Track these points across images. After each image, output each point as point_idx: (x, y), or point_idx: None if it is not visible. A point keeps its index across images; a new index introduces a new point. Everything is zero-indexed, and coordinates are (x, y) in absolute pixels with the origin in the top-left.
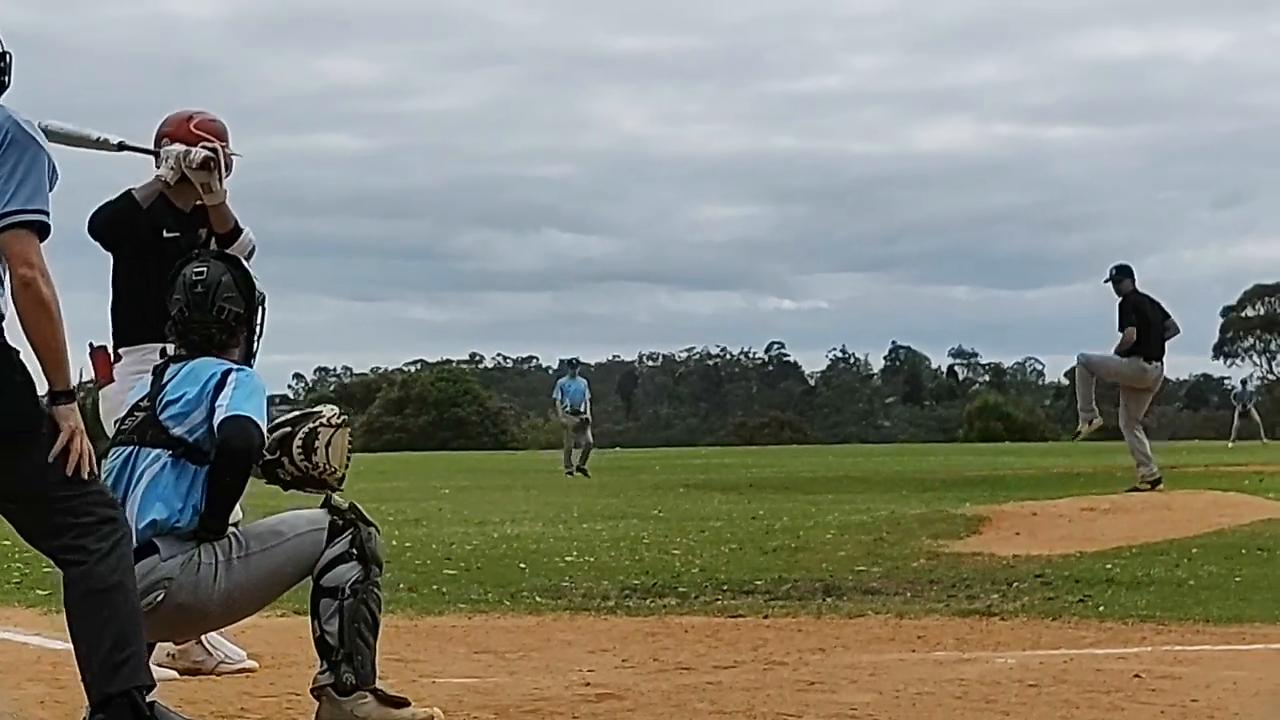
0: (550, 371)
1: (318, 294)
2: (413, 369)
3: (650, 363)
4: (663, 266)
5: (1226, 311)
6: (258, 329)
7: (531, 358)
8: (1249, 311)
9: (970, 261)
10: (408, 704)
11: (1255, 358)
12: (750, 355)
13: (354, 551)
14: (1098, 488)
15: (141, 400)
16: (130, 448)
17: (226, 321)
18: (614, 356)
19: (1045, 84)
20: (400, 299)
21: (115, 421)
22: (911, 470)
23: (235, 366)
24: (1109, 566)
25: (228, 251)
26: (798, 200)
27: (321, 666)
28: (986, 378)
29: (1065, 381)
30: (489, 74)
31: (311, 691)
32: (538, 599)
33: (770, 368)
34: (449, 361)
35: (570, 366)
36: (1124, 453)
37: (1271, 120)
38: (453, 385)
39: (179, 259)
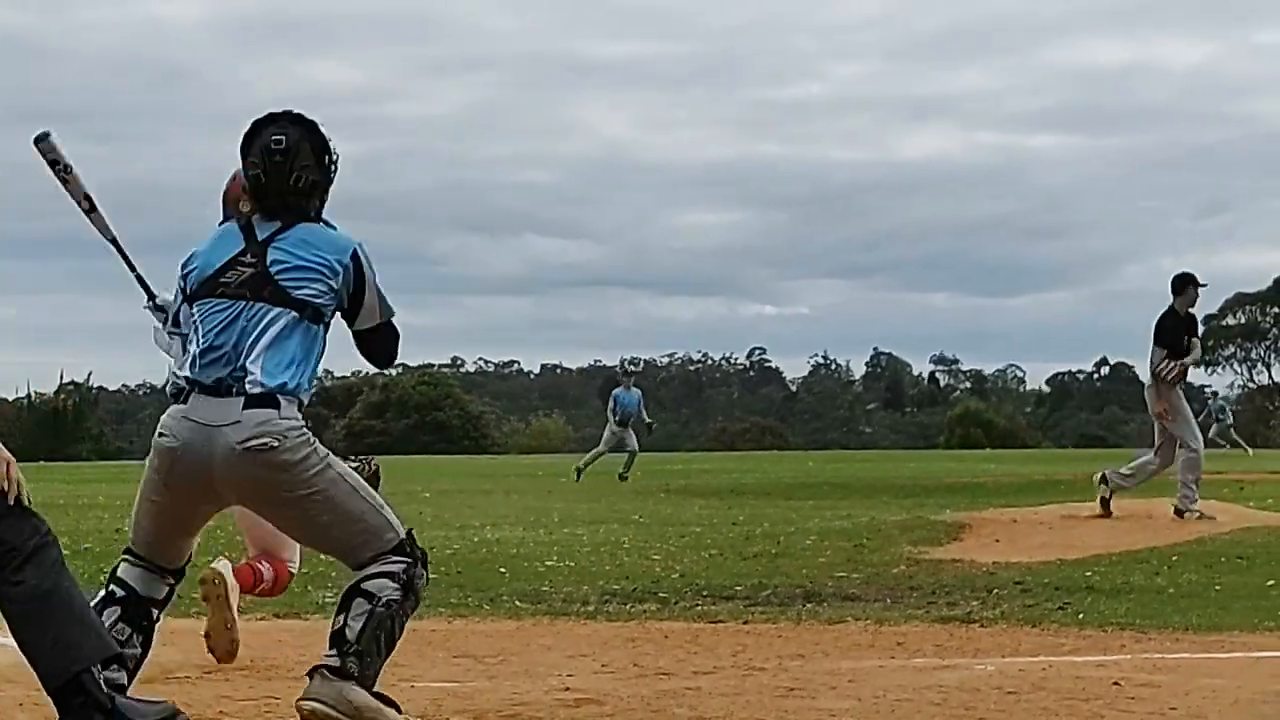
0: (532, 376)
1: None
2: (394, 372)
3: (632, 368)
4: (645, 272)
5: (1208, 320)
6: (329, 189)
7: (513, 362)
8: (1230, 320)
9: (952, 269)
10: (399, 709)
11: (1236, 366)
12: (732, 361)
13: (403, 578)
14: (1078, 495)
15: (241, 255)
16: (240, 302)
17: (303, 187)
18: (595, 361)
19: (1027, 92)
20: None
21: (192, 274)
22: (892, 477)
23: (356, 243)
24: (1089, 574)
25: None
26: (780, 207)
27: (328, 651)
28: (968, 385)
29: (1046, 389)
30: (472, 79)
31: (308, 672)
32: (517, 604)
33: (752, 373)
34: (430, 365)
35: (625, 376)
36: (1105, 460)
37: (1252, 130)
38: (434, 389)
39: (259, 127)
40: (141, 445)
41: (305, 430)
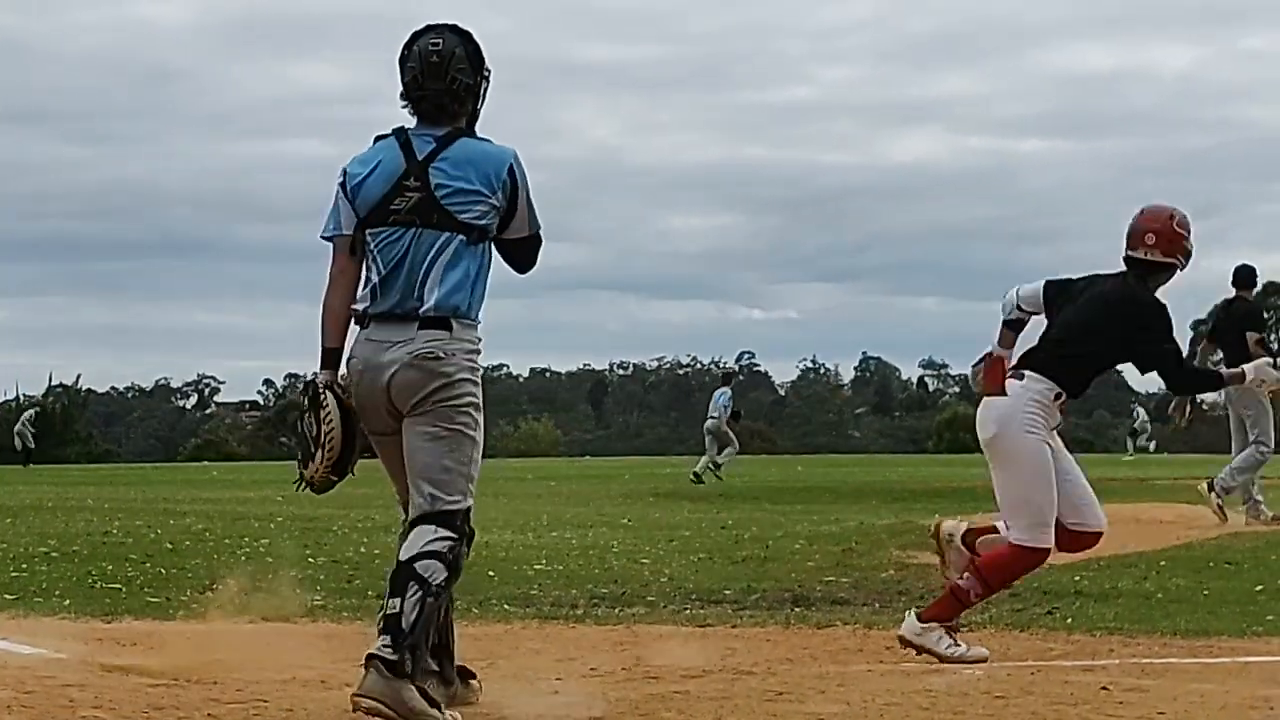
0: (521, 380)
1: (286, 299)
2: None
3: (621, 371)
4: (633, 276)
5: (1196, 325)
6: (481, 100)
7: (502, 365)
8: None
9: (940, 273)
10: (441, 711)
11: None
12: (721, 364)
13: (449, 558)
14: None
15: (405, 179)
16: (411, 229)
17: (458, 91)
18: (584, 365)
19: (1016, 97)
20: None
21: (360, 197)
22: (881, 481)
23: (511, 154)
24: (1077, 579)
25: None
26: (768, 210)
27: (385, 641)
28: (956, 389)
29: None
30: None
31: (366, 660)
32: (506, 607)
33: (741, 377)
34: None
35: (724, 380)
36: (1093, 465)
37: (1242, 134)
38: None
39: (418, 35)
40: (130, 448)
41: (474, 357)
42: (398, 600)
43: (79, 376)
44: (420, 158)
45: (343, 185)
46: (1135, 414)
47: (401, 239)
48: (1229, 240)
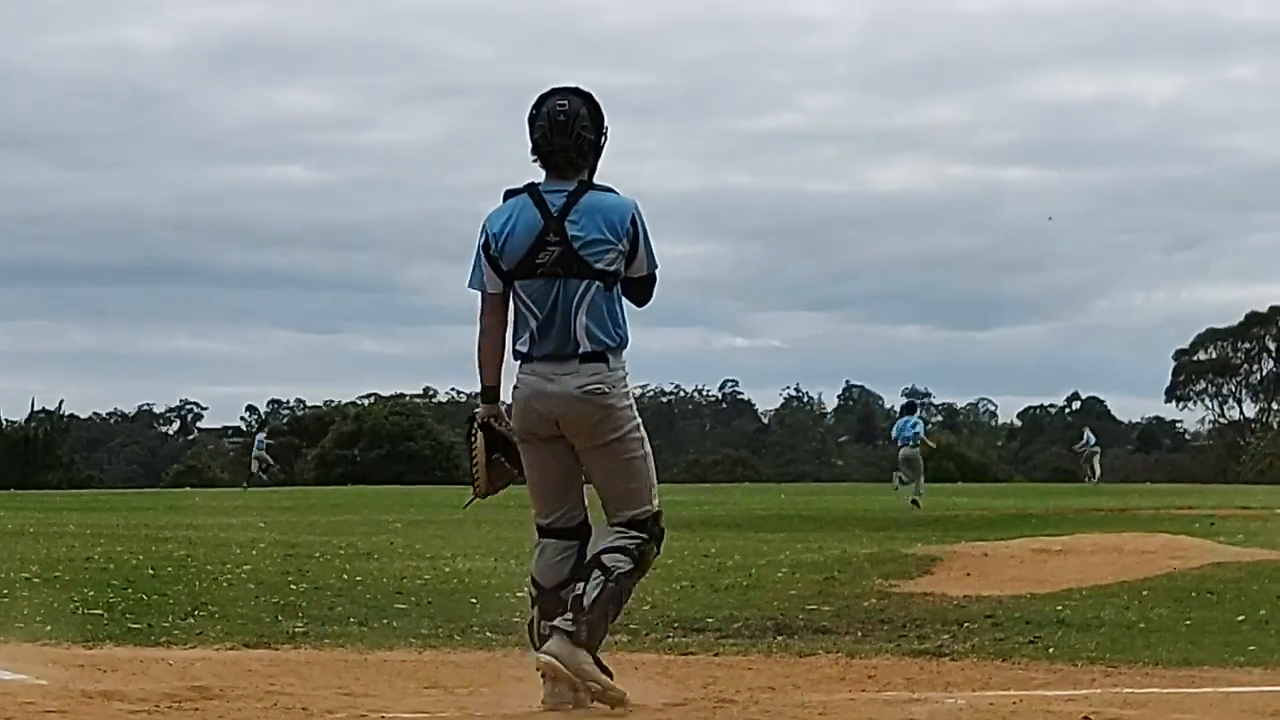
0: (504, 407)
1: (270, 325)
2: (366, 402)
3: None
4: None
5: (1179, 355)
6: (600, 154)
7: None
8: (1200, 355)
9: (923, 302)
10: (611, 676)
11: (1207, 401)
12: (704, 393)
13: (635, 554)
14: (1049, 529)
15: (545, 235)
16: (556, 279)
17: (582, 147)
18: None
19: (999, 126)
20: (353, 331)
21: (504, 252)
22: (863, 509)
23: (633, 205)
24: (1059, 608)
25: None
26: (752, 238)
27: (568, 616)
28: (939, 418)
29: (1017, 423)
30: (443, 107)
31: (550, 630)
32: (489, 634)
33: (724, 405)
34: (402, 395)
35: (908, 409)
36: (1076, 494)
37: (1225, 164)
38: (406, 419)
39: (545, 97)
40: (113, 473)
41: (626, 381)
42: (582, 585)
43: (61, 402)
44: (555, 213)
45: (485, 245)
46: (1084, 437)
47: (549, 289)
48: (1210, 271)
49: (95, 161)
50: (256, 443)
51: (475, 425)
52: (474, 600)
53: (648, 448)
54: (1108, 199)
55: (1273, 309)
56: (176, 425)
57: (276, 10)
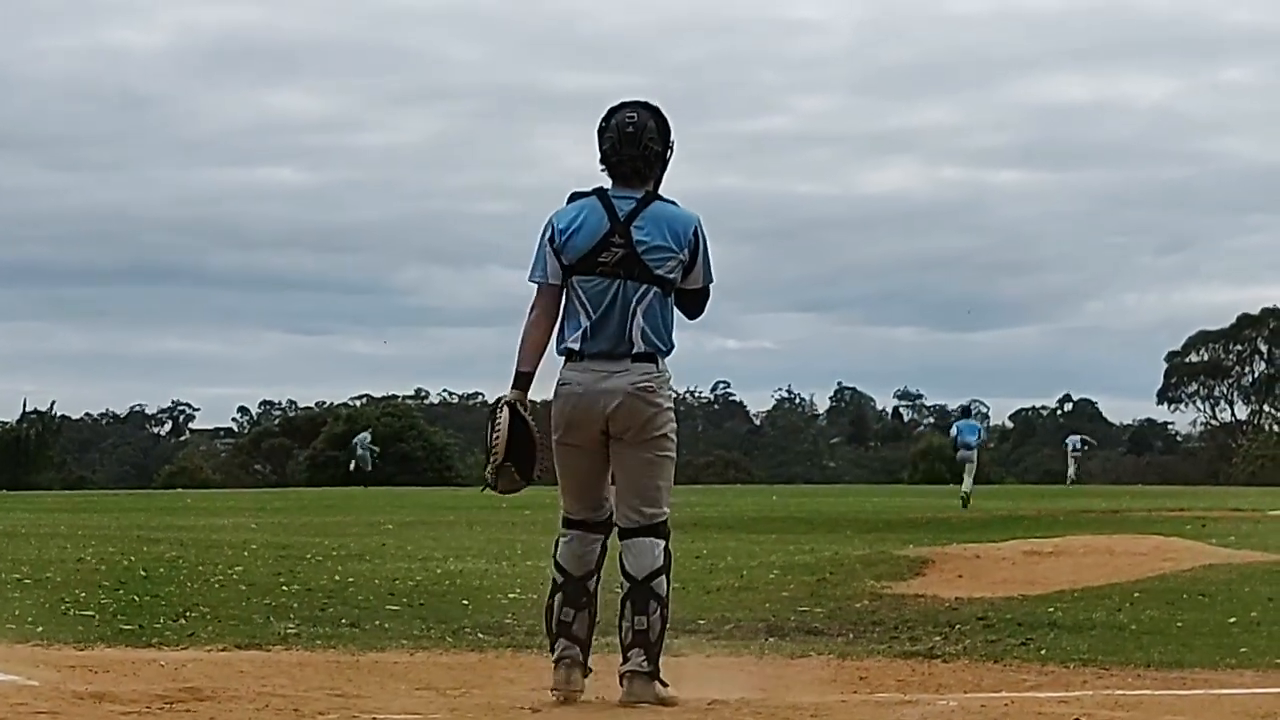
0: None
1: (262, 327)
2: (358, 403)
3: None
4: None
5: (1171, 357)
6: (667, 165)
7: (477, 394)
8: (1193, 357)
9: (915, 304)
10: (667, 685)
11: (1199, 403)
12: (696, 394)
13: (667, 567)
14: (1041, 531)
15: (610, 236)
16: (616, 279)
17: (649, 158)
18: None
19: (992, 128)
20: (345, 333)
21: (568, 247)
22: (855, 511)
23: (696, 218)
24: (1051, 610)
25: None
26: (744, 240)
27: (640, 655)
28: (931, 420)
29: (1009, 424)
30: (436, 109)
31: (624, 674)
32: (480, 636)
33: (716, 407)
34: (394, 397)
35: (966, 413)
36: (1068, 496)
37: (1216, 167)
38: (398, 421)
39: (615, 110)
40: (105, 474)
41: (671, 385)
42: (643, 618)
43: (53, 403)
44: (622, 218)
45: (550, 239)
46: (1068, 443)
47: (609, 288)
48: (1202, 273)
49: (87, 163)
50: (360, 442)
51: (501, 406)
52: (466, 602)
53: (675, 455)
54: (1100, 201)
55: (1264, 311)
56: (168, 426)
57: (268, 11)
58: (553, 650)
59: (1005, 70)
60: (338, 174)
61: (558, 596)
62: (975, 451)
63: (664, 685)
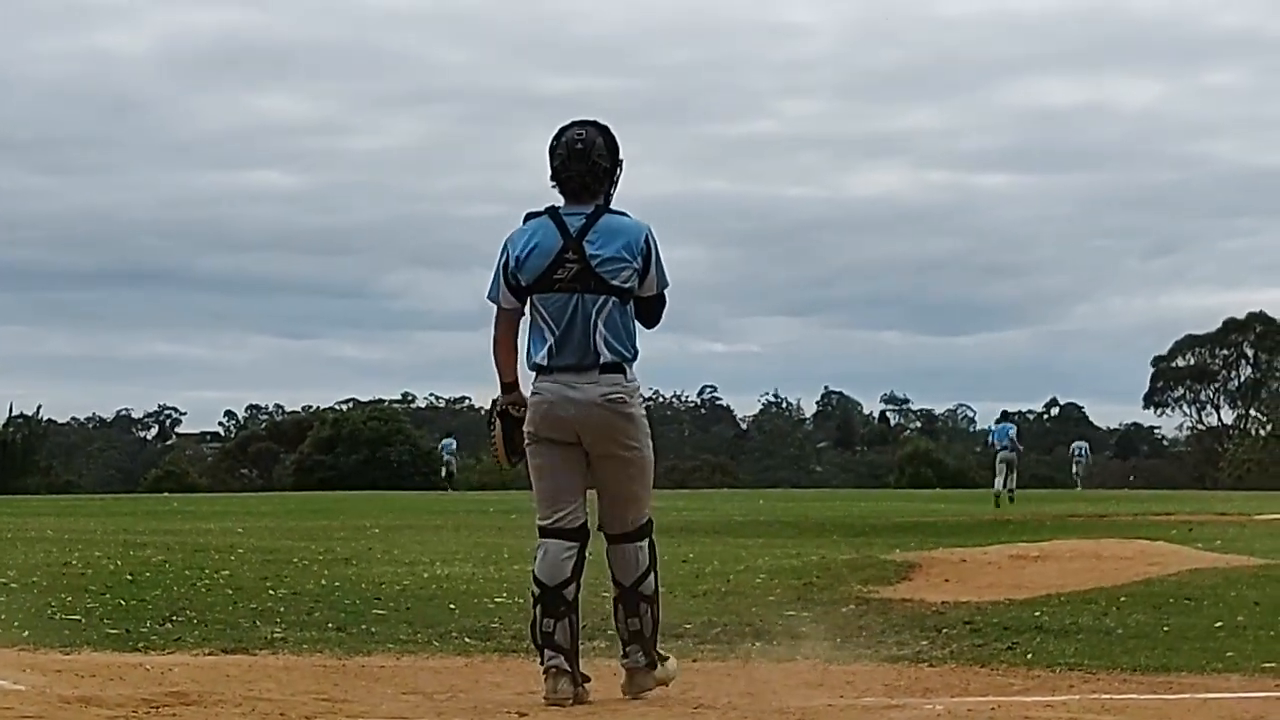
0: (483, 412)
1: (249, 331)
2: (345, 407)
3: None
4: None
5: (1157, 361)
6: (616, 181)
7: (464, 398)
8: (1179, 361)
9: (903, 307)
10: (666, 659)
11: (1185, 408)
12: (682, 398)
13: (654, 566)
14: (1027, 535)
15: (564, 253)
16: (574, 294)
17: (598, 174)
18: None
19: (980, 132)
20: (332, 337)
21: (525, 268)
22: (842, 515)
23: (646, 228)
24: (1037, 614)
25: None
26: (731, 244)
27: (638, 652)
28: (918, 424)
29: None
30: (422, 113)
31: (628, 671)
32: (467, 640)
33: (702, 411)
34: (381, 401)
35: (1005, 417)
36: (1053, 500)
37: (1202, 171)
38: (384, 425)
39: (565, 129)
40: (91, 478)
41: (640, 390)
42: (636, 619)
43: (40, 407)
44: (574, 233)
45: (505, 265)
46: (1074, 450)
47: (568, 303)
48: (1188, 277)
49: (75, 166)
50: (445, 448)
51: (495, 411)
52: (453, 606)
53: (653, 455)
54: (1087, 204)
55: (1251, 315)
56: (155, 430)
57: (255, 15)
58: (541, 661)
59: (993, 73)
60: (325, 177)
61: (537, 608)
62: (1013, 453)
63: (663, 662)
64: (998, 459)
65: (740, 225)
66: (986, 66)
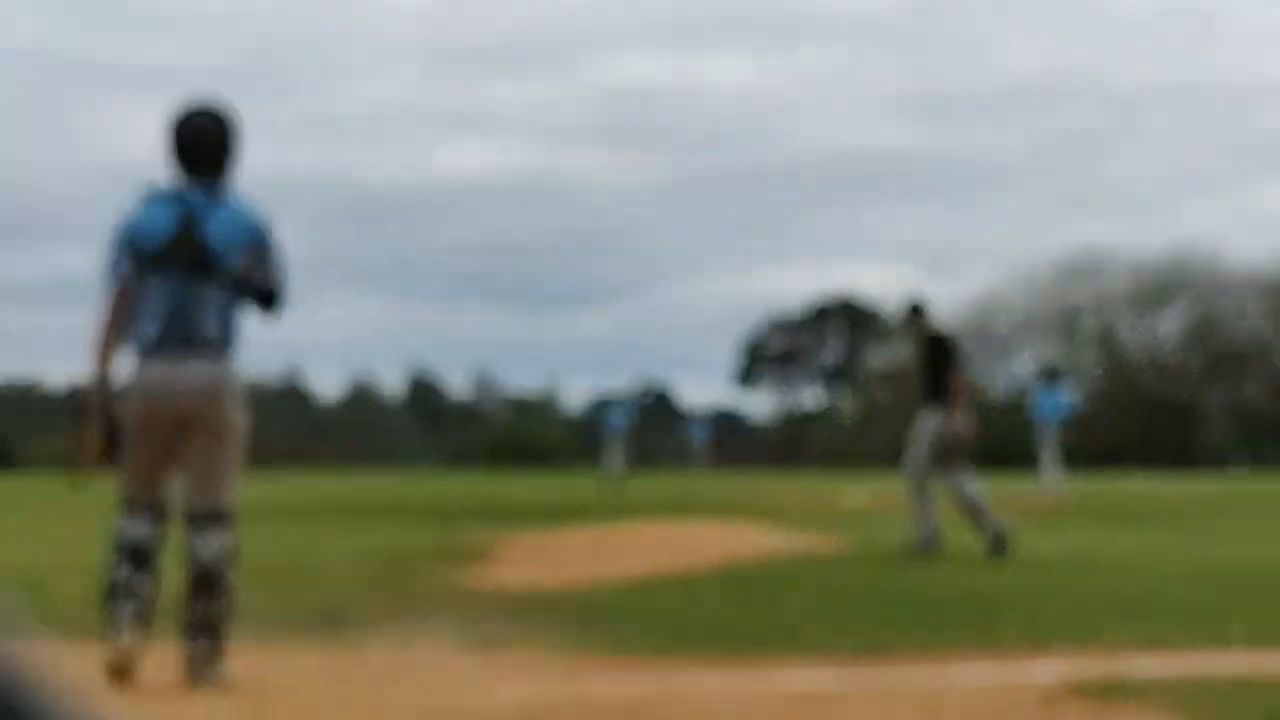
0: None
1: None
2: None
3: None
4: None
5: (747, 342)
6: (236, 163)
7: (37, 382)
8: (770, 343)
9: (491, 285)
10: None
11: (775, 389)
12: (266, 378)
13: (235, 556)
14: (609, 517)
15: (181, 234)
16: (188, 277)
17: (217, 155)
18: None
19: (569, 106)
20: None
21: (141, 246)
22: (427, 496)
23: (265, 214)
24: (615, 598)
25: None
26: (316, 220)
27: (213, 645)
28: (507, 405)
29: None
30: None
31: (189, 659)
32: None
33: (286, 390)
34: None
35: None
36: (648, 483)
37: (795, 151)
38: None
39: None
40: None
41: (239, 377)
42: (210, 604)
43: None
44: (192, 216)
45: (121, 241)
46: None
47: (179, 285)
48: (782, 259)
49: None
50: None
51: (94, 406)
52: None
53: (243, 439)
54: (679, 183)
55: (838, 299)
56: None
57: None
58: (112, 624)
59: (583, 47)
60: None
61: (121, 570)
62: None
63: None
64: (609, 443)
65: (325, 201)
66: (575, 39)
